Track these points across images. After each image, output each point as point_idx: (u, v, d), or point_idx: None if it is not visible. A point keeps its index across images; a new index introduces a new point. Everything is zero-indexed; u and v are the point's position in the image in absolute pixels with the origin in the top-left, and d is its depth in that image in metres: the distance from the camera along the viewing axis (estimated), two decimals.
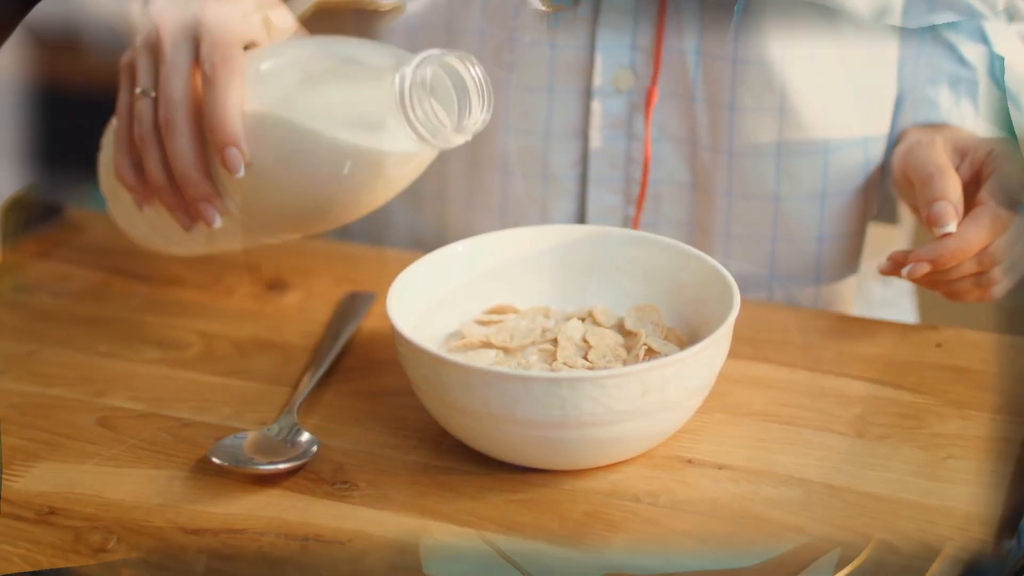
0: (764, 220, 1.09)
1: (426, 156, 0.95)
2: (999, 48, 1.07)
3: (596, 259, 0.98)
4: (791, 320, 1.03)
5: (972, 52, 1.07)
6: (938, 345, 0.99)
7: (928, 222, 0.94)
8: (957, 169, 0.97)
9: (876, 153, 1.08)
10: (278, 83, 0.93)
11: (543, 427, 0.83)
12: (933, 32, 1.09)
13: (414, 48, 1.13)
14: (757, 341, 0.99)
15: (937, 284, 0.98)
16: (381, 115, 0.90)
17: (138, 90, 0.95)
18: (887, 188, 1.12)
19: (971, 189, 0.96)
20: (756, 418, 0.91)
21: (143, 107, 0.94)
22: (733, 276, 0.92)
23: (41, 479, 0.88)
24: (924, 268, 0.94)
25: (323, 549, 0.81)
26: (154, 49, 0.95)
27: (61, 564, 0.81)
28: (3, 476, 0.89)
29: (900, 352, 0.98)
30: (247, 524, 0.84)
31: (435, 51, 0.90)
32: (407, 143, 0.91)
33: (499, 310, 0.97)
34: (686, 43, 1.05)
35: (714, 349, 0.86)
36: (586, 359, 0.91)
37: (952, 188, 0.94)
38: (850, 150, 1.08)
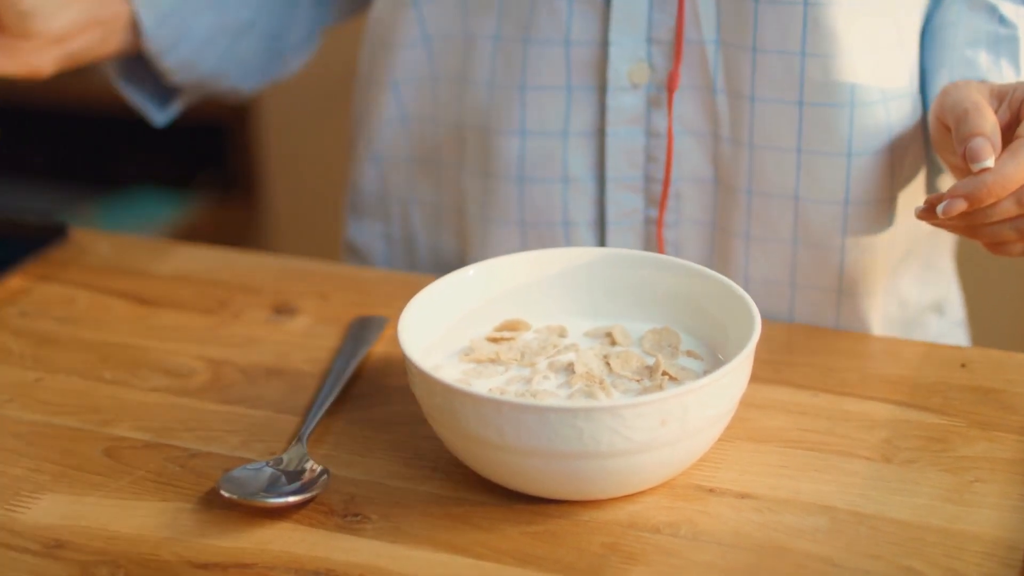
0: (784, 221, 1.06)
1: None
2: None
3: (612, 281, 0.96)
4: (813, 341, 1.02)
5: (1013, 12, 1.04)
6: (963, 365, 0.97)
7: (964, 158, 0.91)
8: (995, 112, 0.94)
9: (900, 152, 1.06)
10: None
11: (559, 458, 0.81)
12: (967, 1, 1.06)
13: (431, 62, 1.12)
14: (778, 364, 0.98)
15: (976, 230, 0.94)
16: None
17: None
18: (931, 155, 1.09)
19: (1009, 134, 0.93)
20: (779, 444, 0.90)
21: None
22: (754, 282, 0.89)
23: (48, 511, 0.87)
24: (960, 205, 0.90)
25: None
26: None
27: None
28: (9, 507, 0.87)
29: (925, 373, 0.97)
30: (257, 558, 0.82)
31: None
32: None
33: (510, 326, 0.95)
34: (705, 33, 1.04)
35: (735, 376, 0.84)
36: (608, 367, 0.90)
37: (988, 123, 0.92)
38: (874, 147, 1.05)
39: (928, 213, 0.93)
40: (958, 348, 0.99)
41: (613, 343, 0.94)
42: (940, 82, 1.03)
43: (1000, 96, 0.96)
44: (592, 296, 0.97)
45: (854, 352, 1.00)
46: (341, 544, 0.83)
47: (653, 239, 1.09)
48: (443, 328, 0.93)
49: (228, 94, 1.24)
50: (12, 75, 1.07)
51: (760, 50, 1.02)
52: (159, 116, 1.22)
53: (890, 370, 0.97)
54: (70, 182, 2.83)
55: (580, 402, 0.85)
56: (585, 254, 0.97)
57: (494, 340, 0.94)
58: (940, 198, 0.91)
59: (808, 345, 1.01)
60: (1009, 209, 0.92)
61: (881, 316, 1.10)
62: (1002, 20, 1.03)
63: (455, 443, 0.85)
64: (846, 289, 1.07)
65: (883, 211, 1.06)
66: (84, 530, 0.85)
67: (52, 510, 0.87)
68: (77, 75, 2.91)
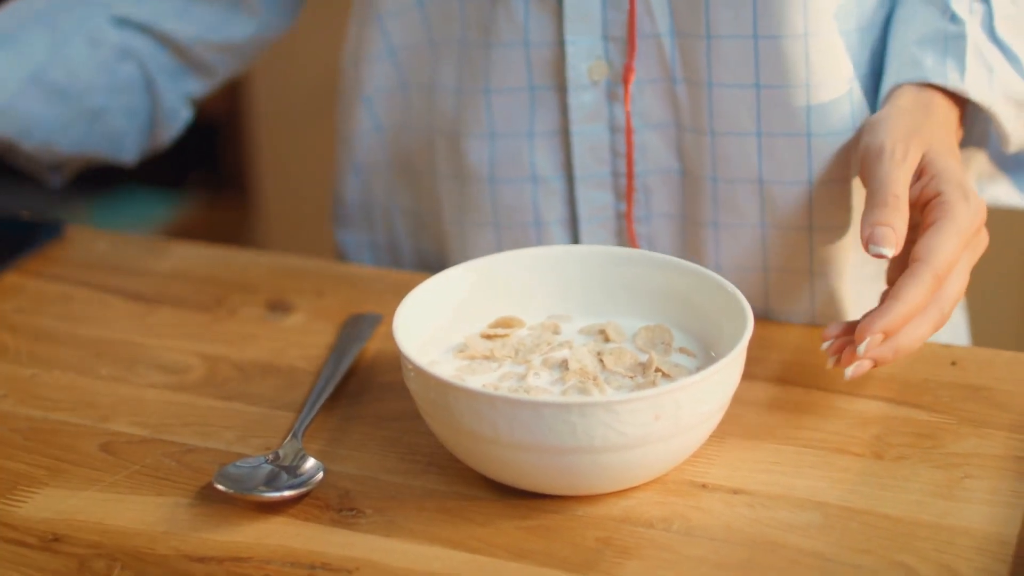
0: (750, 205, 1.07)
1: None
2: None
3: (606, 279, 0.97)
4: (805, 339, 1.02)
5: (965, 7, 1.03)
6: (953, 363, 0.98)
7: (865, 240, 0.91)
8: (910, 187, 0.95)
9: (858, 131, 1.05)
10: None
11: (553, 453, 0.82)
12: None
13: (399, 73, 1.13)
14: (770, 361, 0.98)
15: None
16: None
17: None
18: None
19: (912, 213, 0.94)
20: (771, 441, 0.90)
21: None
22: (726, 270, 0.88)
23: (44, 505, 0.87)
24: (878, 339, 0.89)
25: None
26: None
27: None
28: (7, 502, 0.88)
29: (915, 371, 0.97)
30: (253, 552, 0.82)
31: None
32: None
33: (505, 323, 0.96)
34: (659, 25, 1.05)
35: (727, 372, 0.84)
36: (602, 364, 0.90)
37: (900, 221, 0.92)
38: (834, 127, 1.05)
39: (849, 357, 0.90)
40: (948, 346, 1.00)
41: (607, 340, 0.94)
42: (887, 80, 1.03)
43: (920, 173, 0.96)
44: (586, 293, 0.97)
45: None
46: (336, 538, 0.83)
47: (625, 235, 1.10)
48: (437, 325, 0.94)
49: (114, 163, 1.28)
50: None
51: (714, 36, 1.03)
52: (53, 179, 1.28)
53: (881, 368, 0.97)
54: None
55: (574, 397, 0.85)
56: (579, 252, 0.98)
57: (488, 337, 0.95)
58: (848, 342, 0.90)
59: (800, 343, 1.02)
60: (926, 334, 0.91)
61: (862, 298, 1.11)
62: (953, 17, 1.02)
63: (450, 438, 0.86)
64: (817, 271, 1.07)
65: (847, 190, 1.06)
66: (81, 524, 0.85)
67: (49, 504, 0.87)
68: None
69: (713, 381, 0.83)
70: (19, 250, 1.18)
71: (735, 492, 0.86)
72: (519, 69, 1.08)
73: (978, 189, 1.11)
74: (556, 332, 0.96)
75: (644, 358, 0.91)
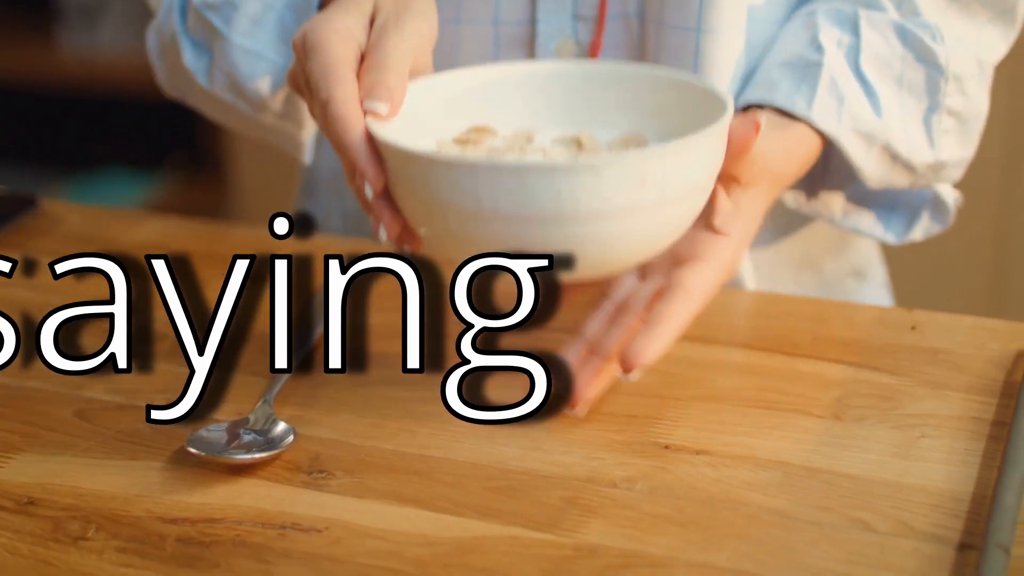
0: None
1: None
2: (864, 35, 1.03)
3: (586, 92, 0.95)
4: (769, 306, 1.04)
5: (829, 36, 1.03)
6: (913, 328, 1.00)
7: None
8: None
9: None
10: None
11: (536, 222, 0.80)
12: (809, 13, 1.06)
13: None
14: (733, 327, 1.00)
15: None
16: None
17: None
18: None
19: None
20: (734, 403, 0.92)
21: None
22: None
23: (20, 470, 0.88)
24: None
25: (300, 537, 0.81)
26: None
27: (42, 552, 0.81)
28: None
29: (876, 335, 0.99)
30: (225, 513, 0.84)
31: None
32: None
33: (477, 131, 0.94)
34: (628, 6, 1.06)
35: (711, 142, 0.83)
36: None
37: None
38: None
39: (584, 394, 0.91)
40: (908, 311, 1.02)
41: (580, 148, 0.93)
42: (743, 95, 1.04)
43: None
44: (565, 106, 0.96)
45: (808, 315, 1.02)
46: (307, 499, 0.85)
47: None
48: (409, 135, 0.89)
49: None
50: None
51: (665, 24, 1.05)
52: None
53: (843, 332, 1.00)
54: (39, 162, 2.83)
55: (559, 161, 0.81)
56: (559, 66, 0.96)
57: (461, 143, 0.93)
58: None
59: (764, 309, 1.03)
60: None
61: (793, 282, 1.13)
62: (818, 48, 1.02)
63: (426, 219, 0.83)
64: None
65: None
66: (56, 487, 0.87)
67: (24, 469, 0.88)
68: (47, 54, 2.91)
69: (699, 150, 0.82)
70: None
71: (698, 453, 0.87)
72: (486, 46, 1.09)
73: (842, 218, 1.11)
74: (529, 140, 0.94)
75: None
